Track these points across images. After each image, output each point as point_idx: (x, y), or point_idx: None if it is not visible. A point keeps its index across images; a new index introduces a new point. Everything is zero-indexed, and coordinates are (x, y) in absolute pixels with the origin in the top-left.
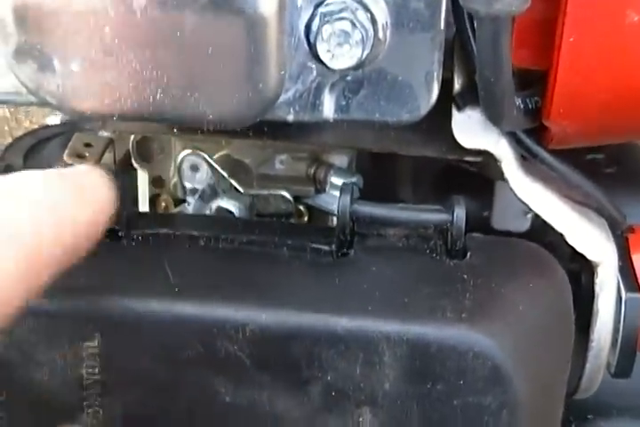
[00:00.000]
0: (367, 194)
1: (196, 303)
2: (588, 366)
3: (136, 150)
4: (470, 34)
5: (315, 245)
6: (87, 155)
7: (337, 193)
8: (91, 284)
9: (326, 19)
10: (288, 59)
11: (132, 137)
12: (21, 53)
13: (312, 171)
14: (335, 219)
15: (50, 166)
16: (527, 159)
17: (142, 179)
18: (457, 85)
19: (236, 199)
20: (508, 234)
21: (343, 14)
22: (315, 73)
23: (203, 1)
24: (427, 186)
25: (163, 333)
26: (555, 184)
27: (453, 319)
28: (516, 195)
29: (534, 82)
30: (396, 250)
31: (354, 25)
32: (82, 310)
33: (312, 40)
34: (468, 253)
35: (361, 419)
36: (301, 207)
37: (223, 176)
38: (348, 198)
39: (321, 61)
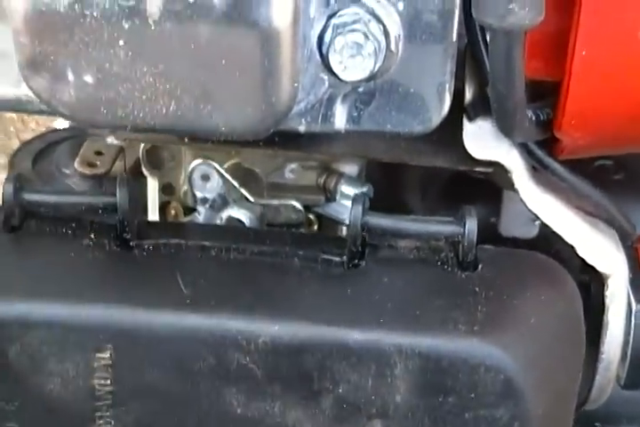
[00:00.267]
0: (375, 202)
1: (208, 315)
2: (597, 377)
3: (146, 158)
4: (482, 45)
5: (326, 256)
6: (98, 163)
7: (347, 202)
8: (103, 294)
9: (339, 30)
10: (301, 70)
11: (143, 145)
12: (35, 64)
13: (322, 180)
14: (345, 228)
15: (59, 170)
16: (537, 170)
17: (152, 186)
18: (468, 96)
19: (247, 209)
20: (516, 241)
21: (356, 26)
22: (327, 84)
23: (217, 14)
24: (435, 193)
25: (175, 344)
26: (565, 195)
27: (465, 332)
28: (526, 206)
29: (546, 93)
30: (408, 262)
31: (366, 37)
32: (94, 321)
33: (324, 51)
34: (480, 265)
35: None
36: (311, 216)
37: (234, 186)
38: (360, 209)
39: (333, 73)
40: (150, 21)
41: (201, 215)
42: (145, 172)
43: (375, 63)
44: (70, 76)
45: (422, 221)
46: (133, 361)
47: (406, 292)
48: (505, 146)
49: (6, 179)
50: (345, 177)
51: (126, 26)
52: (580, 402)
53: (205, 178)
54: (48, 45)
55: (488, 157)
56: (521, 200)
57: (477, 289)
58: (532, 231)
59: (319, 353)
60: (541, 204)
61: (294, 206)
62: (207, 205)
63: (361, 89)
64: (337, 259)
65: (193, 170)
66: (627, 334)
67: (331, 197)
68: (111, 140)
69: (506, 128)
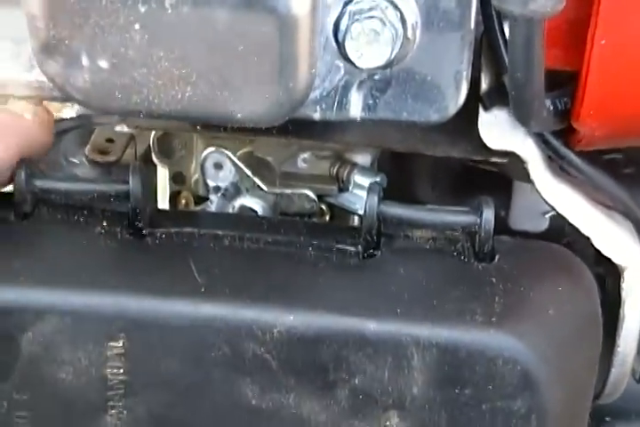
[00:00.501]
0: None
1: (223, 304)
2: (613, 371)
3: (157, 146)
4: (499, 33)
5: (340, 246)
6: (110, 150)
7: (360, 192)
8: (116, 283)
9: (356, 17)
10: (318, 57)
11: (153, 133)
12: (49, 48)
13: (335, 169)
14: (356, 218)
15: (66, 159)
16: (553, 161)
17: (162, 175)
18: (484, 85)
19: (260, 198)
20: (525, 234)
21: (373, 13)
22: (342, 71)
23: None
24: (445, 184)
25: (189, 333)
26: (581, 186)
27: (483, 323)
28: (542, 197)
29: (563, 82)
30: (424, 252)
31: (383, 24)
32: (107, 310)
33: (340, 38)
34: (497, 256)
35: (388, 423)
36: (323, 206)
37: (247, 174)
38: (375, 199)
39: (349, 60)
40: (167, 5)
41: (213, 204)
42: (155, 160)
43: (392, 51)
44: (85, 61)
45: (438, 211)
46: (146, 350)
47: (423, 282)
48: (521, 136)
49: (18, 166)
50: (358, 167)
51: (142, 9)
52: (595, 396)
53: (218, 166)
54: (63, 29)
55: (504, 147)
56: (536, 191)
57: (494, 280)
58: (542, 225)
59: (335, 344)
60: (557, 194)
61: (307, 195)
62: (219, 194)
63: (377, 76)
64: (352, 249)
65: (205, 158)
66: None
67: (343, 186)
68: (120, 128)
69: (523, 117)
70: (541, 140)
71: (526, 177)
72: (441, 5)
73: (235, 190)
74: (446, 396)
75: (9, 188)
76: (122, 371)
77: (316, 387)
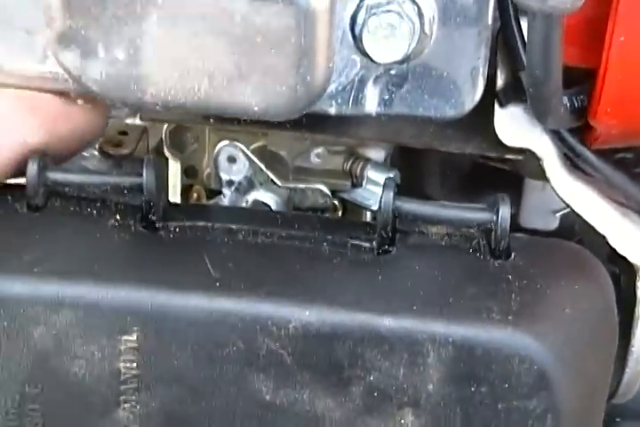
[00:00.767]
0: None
1: (238, 299)
2: (627, 371)
3: (169, 140)
4: (516, 29)
5: (355, 242)
6: (123, 143)
7: (373, 188)
8: (130, 276)
9: (373, 11)
10: (335, 51)
11: (166, 126)
12: (65, 38)
13: (348, 165)
14: (369, 214)
15: None
16: (569, 158)
17: (174, 169)
18: (500, 81)
19: (274, 192)
20: (536, 233)
21: (390, 7)
22: (359, 66)
23: None
24: (454, 181)
25: (203, 328)
26: (596, 184)
27: (500, 321)
28: (557, 194)
29: (580, 79)
30: (439, 248)
31: (401, 18)
32: (121, 303)
33: (357, 32)
34: (512, 254)
35: (403, 421)
36: (336, 201)
37: (260, 168)
38: (390, 194)
39: (366, 54)
40: None
41: (226, 198)
42: (167, 154)
43: (409, 45)
44: (101, 52)
45: (454, 208)
46: (160, 345)
47: (439, 279)
48: (537, 133)
49: (30, 157)
50: (371, 162)
51: (160, 1)
52: (609, 395)
53: (232, 160)
54: (79, 20)
55: (519, 143)
56: (551, 188)
57: (511, 278)
58: (553, 223)
59: (350, 340)
60: (573, 192)
61: (321, 191)
62: (233, 188)
63: (393, 71)
64: (367, 245)
65: (219, 151)
66: None
67: (357, 182)
68: (131, 121)
69: (540, 114)
70: (557, 137)
71: (540, 174)
72: (458, 0)
73: (248, 184)
74: (461, 394)
75: (21, 180)
76: (135, 365)
77: (331, 383)
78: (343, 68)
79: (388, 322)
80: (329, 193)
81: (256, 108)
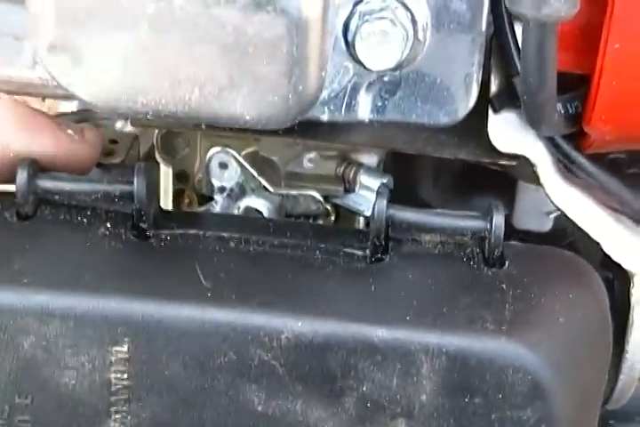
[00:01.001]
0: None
1: (230, 309)
2: (621, 377)
3: (160, 145)
4: (509, 34)
5: (348, 250)
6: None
7: (366, 193)
8: (121, 286)
9: (366, 18)
10: (328, 59)
11: (157, 131)
12: (54, 47)
13: (341, 170)
14: (362, 219)
15: None
16: (563, 164)
17: (165, 174)
18: (494, 87)
19: (266, 199)
20: (529, 234)
21: (383, 13)
22: (351, 73)
23: (245, 0)
24: (447, 182)
25: (194, 338)
26: (590, 190)
27: (493, 331)
28: (551, 200)
29: (574, 85)
30: (432, 257)
31: (394, 24)
32: (112, 314)
33: (350, 39)
34: (506, 262)
35: None
36: (328, 206)
37: (252, 175)
38: (384, 202)
39: (358, 61)
40: (176, 5)
41: (218, 204)
42: (159, 159)
43: (402, 52)
44: (91, 61)
45: (448, 216)
46: (151, 355)
47: (432, 288)
48: (530, 139)
49: (20, 165)
50: (364, 167)
51: (151, 9)
52: (603, 402)
53: (223, 166)
54: (70, 28)
55: (513, 149)
56: (546, 195)
57: (504, 287)
58: (547, 224)
59: (343, 351)
60: (567, 198)
61: (314, 197)
62: (224, 195)
63: (386, 78)
64: (359, 253)
65: (211, 158)
66: None
67: (350, 187)
68: (121, 125)
69: (534, 122)
70: (551, 143)
71: (534, 179)
72: (452, 6)
73: (240, 191)
74: (455, 405)
75: (11, 187)
76: (126, 376)
77: (324, 394)
78: (335, 74)
79: (381, 333)
80: (321, 199)
81: (247, 118)
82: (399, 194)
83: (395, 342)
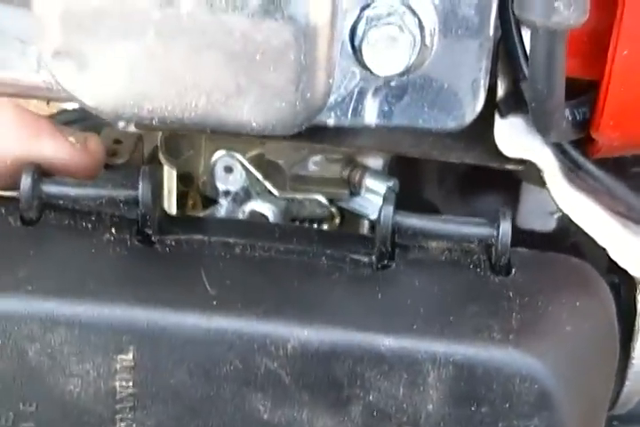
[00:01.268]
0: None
1: (235, 317)
2: (627, 383)
3: (164, 146)
4: (517, 39)
5: (354, 256)
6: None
7: (372, 196)
8: (126, 293)
9: (373, 23)
10: (335, 65)
11: (161, 133)
12: (60, 53)
13: (347, 173)
14: (367, 222)
15: None
16: (570, 169)
17: (169, 176)
18: (500, 91)
19: (271, 203)
20: (533, 233)
21: (391, 19)
22: (358, 78)
23: (252, 7)
24: (452, 182)
25: (200, 346)
26: (597, 195)
27: (500, 341)
28: (557, 205)
29: (582, 91)
30: (439, 264)
31: (401, 30)
32: (117, 321)
33: (357, 44)
34: (513, 270)
35: None
36: (333, 209)
37: (257, 178)
38: (390, 208)
39: (365, 66)
40: (183, 12)
41: (222, 208)
42: (163, 161)
43: (409, 57)
44: (97, 67)
45: (454, 222)
46: (157, 363)
47: (439, 296)
48: (537, 144)
49: (24, 169)
50: (370, 171)
51: (157, 16)
52: (609, 407)
53: (228, 170)
54: (76, 34)
55: (520, 154)
56: (552, 200)
57: (511, 295)
58: (550, 224)
59: (349, 359)
60: (574, 204)
61: (319, 201)
62: (229, 199)
63: (393, 83)
64: (365, 259)
65: (216, 161)
66: None
67: (355, 190)
68: (123, 125)
69: (542, 128)
70: (558, 149)
71: (540, 182)
72: (459, 12)
73: (245, 195)
74: (462, 414)
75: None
76: (131, 384)
77: (330, 403)
78: (342, 79)
79: (387, 341)
80: (327, 203)
81: (254, 124)
82: (404, 195)
83: (401, 351)
